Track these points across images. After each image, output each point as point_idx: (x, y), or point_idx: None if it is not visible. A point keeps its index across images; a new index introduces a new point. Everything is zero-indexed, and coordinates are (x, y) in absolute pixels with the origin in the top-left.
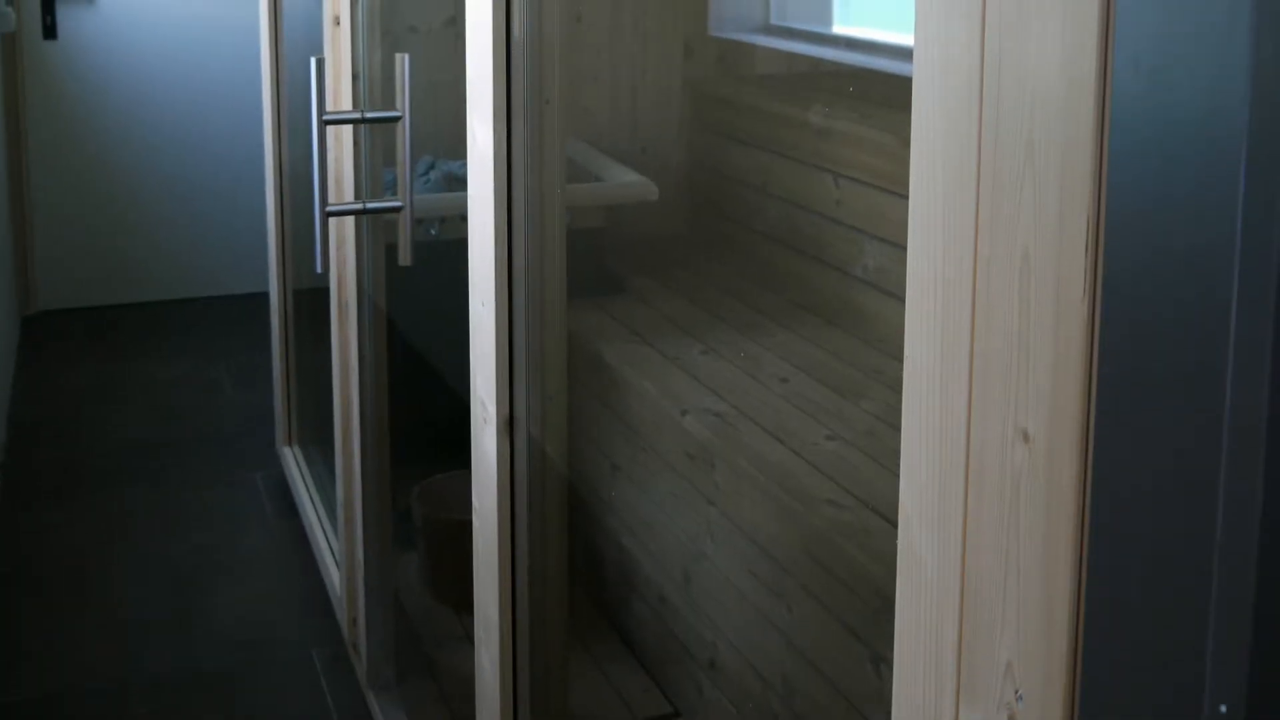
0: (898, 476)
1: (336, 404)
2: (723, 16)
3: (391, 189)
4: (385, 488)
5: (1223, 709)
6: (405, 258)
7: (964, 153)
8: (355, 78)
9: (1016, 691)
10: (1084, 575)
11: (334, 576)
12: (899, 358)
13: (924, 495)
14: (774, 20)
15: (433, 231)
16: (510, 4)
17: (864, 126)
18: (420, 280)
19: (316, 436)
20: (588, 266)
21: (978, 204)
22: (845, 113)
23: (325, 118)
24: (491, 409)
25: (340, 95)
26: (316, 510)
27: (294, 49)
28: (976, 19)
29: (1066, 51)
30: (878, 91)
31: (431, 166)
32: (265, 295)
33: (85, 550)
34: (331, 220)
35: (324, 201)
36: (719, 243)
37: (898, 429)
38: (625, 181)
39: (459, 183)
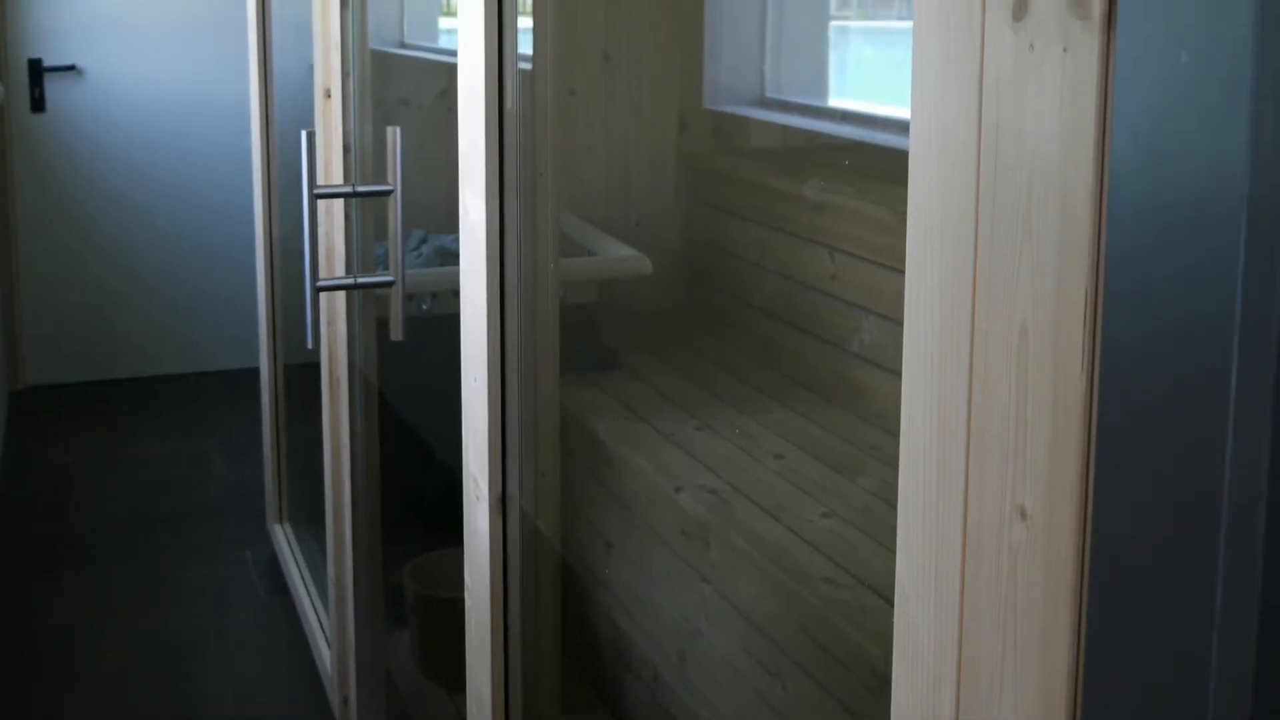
0: (894, 554)
1: (328, 480)
2: (718, 89)
3: (383, 263)
4: (377, 565)
5: None
6: (397, 333)
7: (961, 226)
8: (346, 151)
9: None
10: (1082, 652)
11: (325, 655)
12: (895, 433)
13: (921, 572)
14: (769, 93)
15: (425, 306)
16: (503, 77)
17: (860, 200)
18: (412, 355)
19: (308, 513)
20: (581, 342)
21: (975, 278)
22: (841, 186)
23: (316, 191)
24: (484, 485)
25: (331, 168)
26: (307, 588)
27: (284, 122)
28: (973, 92)
29: (1065, 124)
30: (874, 165)
31: (423, 241)
32: (256, 370)
33: (74, 626)
34: (322, 295)
35: (315, 276)
36: (714, 318)
37: (894, 506)
38: (619, 256)
39: (451, 257)
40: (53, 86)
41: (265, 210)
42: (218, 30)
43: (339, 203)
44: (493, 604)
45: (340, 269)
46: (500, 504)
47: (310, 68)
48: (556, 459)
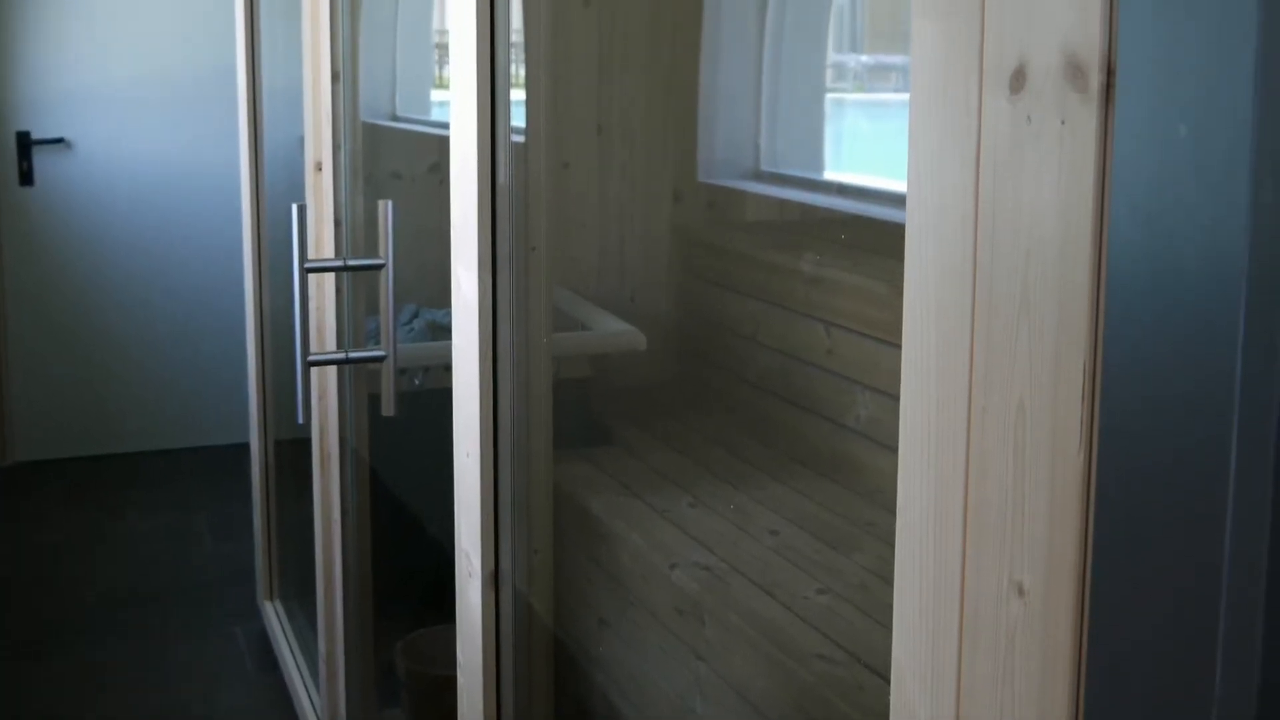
0: (890, 631)
1: (318, 557)
2: (712, 162)
3: (374, 338)
4: (368, 642)
5: None
6: (388, 408)
7: (958, 301)
8: (337, 224)
9: None
10: None
11: None
12: (892, 510)
13: (918, 649)
14: (764, 166)
15: (417, 381)
16: (495, 150)
17: (856, 274)
18: (404, 431)
19: (298, 590)
20: (574, 417)
21: (972, 353)
22: (837, 260)
23: (307, 265)
24: (476, 562)
25: (322, 242)
26: (298, 665)
27: (275, 195)
28: (970, 164)
29: (1063, 197)
30: (870, 238)
31: (415, 315)
32: (246, 446)
33: (63, 705)
34: (313, 370)
35: (305, 351)
36: (709, 393)
37: (890, 582)
38: (613, 330)
39: (443, 331)
40: (41, 159)
41: (255, 284)
42: (208, 103)
43: (330, 277)
44: (485, 681)
45: (331, 343)
46: (493, 580)
47: (301, 140)
48: (550, 535)
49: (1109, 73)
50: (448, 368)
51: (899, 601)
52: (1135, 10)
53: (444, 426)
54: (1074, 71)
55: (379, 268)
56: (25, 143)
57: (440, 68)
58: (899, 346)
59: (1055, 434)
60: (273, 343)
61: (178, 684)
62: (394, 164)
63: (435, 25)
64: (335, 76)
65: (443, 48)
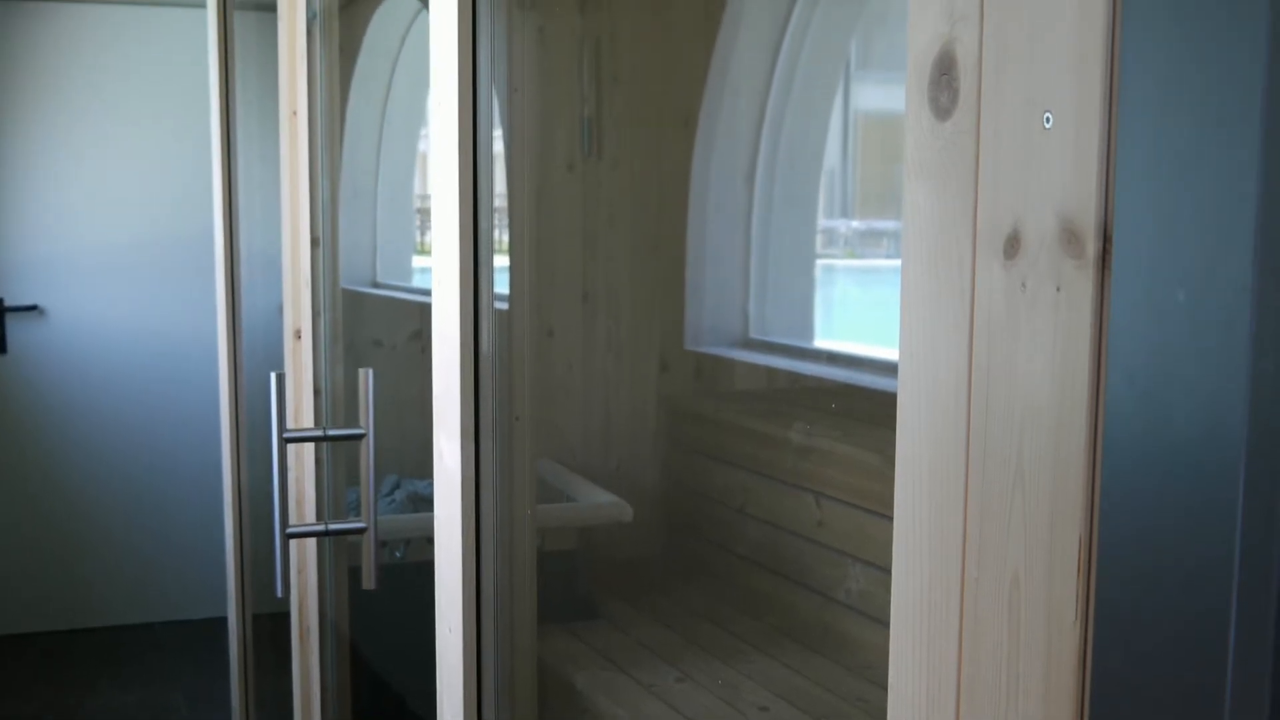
0: None
1: None
2: (700, 330)
3: (355, 509)
4: None
5: None
6: (369, 581)
7: (951, 471)
8: (317, 393)
9: None
10: None
11: None
12: (883, 685)
13: None
14: (753, 333)
15: (398, 554)
16: (479, 317)
17: (846, 444)
18: (385, 604)
19: None
20: (559, 590)
21: (965, 525)
22: (827, 430)
23: (286, 435)
24: None
25: (301, 411)
26: None
27: (253, 363)
28: (964, 332)
29: (1058, 366)
30: (861, 408)
31: (396, 486)
32: (224, 620)
33: None
34: (292, 542)
35: (284, 522)
36: (696, 566)
37: None
38: (598, 502)
39: (425, 503)
40: (14, 327)
41: (233, 454)
42: (184, 269)
43: (309, 446)
44: None
45: (311, 515)
46: None
47: (280, 307)
48: (534, 712)
49: (1105, 238)
50: (430, 540)
51: None
52: (1132, 174)
53: (426, 600)
54: (1070, 237)
55: (359, 437)
56: None
57: (422, 233)
58: (891, 518)
59: (1050, 607)
60: (251, 514)
61: None
62: (375, 331)
63: (417, 190)
64: (315, 242)
65: (424, 212)
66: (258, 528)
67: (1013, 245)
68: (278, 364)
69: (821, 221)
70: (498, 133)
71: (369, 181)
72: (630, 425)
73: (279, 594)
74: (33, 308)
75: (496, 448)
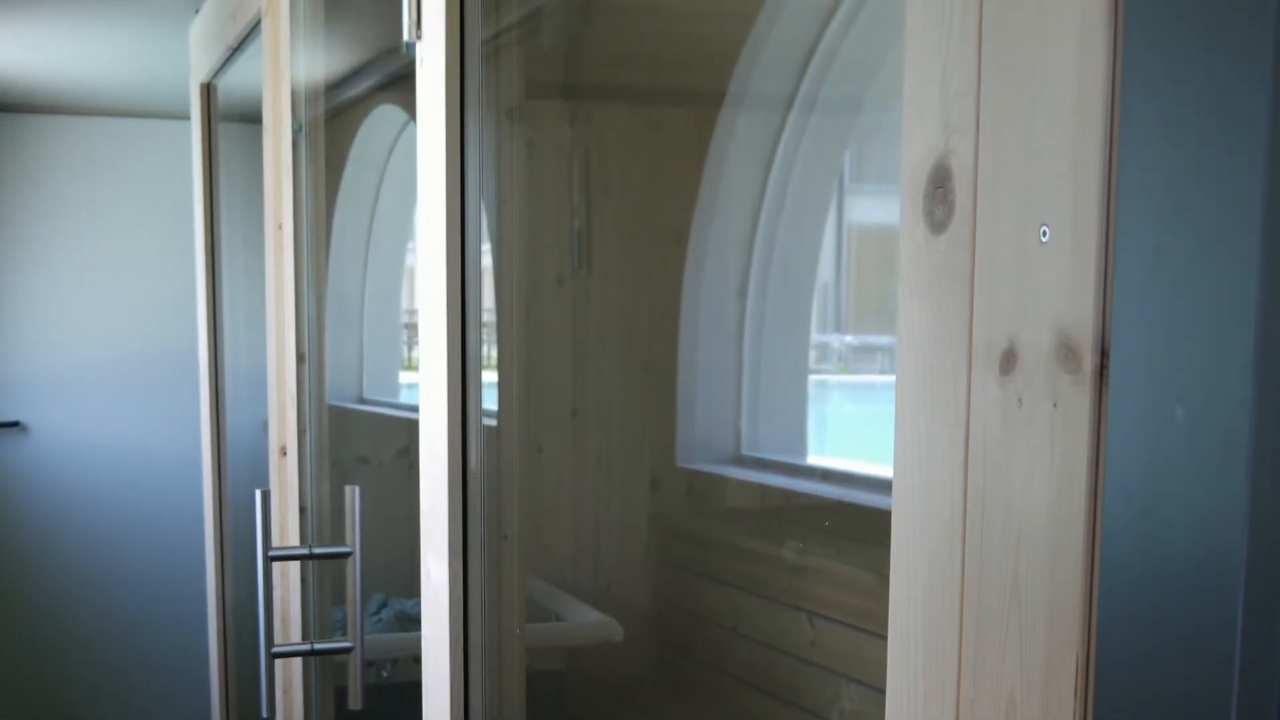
0: None
1: None
2: (691, 447)
3: (341, 628)
4: None
5: None
6: (355, 701)
7: (946, 591)
8: (303, 511)
9: None
10: None
11: None
12: None
13: None
14: (745, 450)
15: (385, 673)
16: (466, 434)
17: (840, 563)
18: None
19: None
20: (549, 711)
21: (961, 645)
22: (821, 548)
23: (271, 553)
24: None
25: (287, 529)
26: None
27: (237, 480)
28: (959, 449)
29: (1054, 483)
30: (855, 526)
31: (383, 605)
32: None
33: None
34: (278, 662)
35: (270, 642)
36: (688, 686)
37: None
38: (588, 621)
39: (412, 622)
40: None
41: (217, 573)
42: (168, 385)
43: (295, 565)
44: None
45: (297, 634)
46: None
47: (265, 424)
48: None
49: (1103, 354)
50: (417, 659)
51: None
52: (1130, 289)
53: None
54: (1066, 352)
55: (346, 556)
56: None
57: (409, 348)
58: (885, 637)
59: None
60: (235, 633)
61: None
62: (361, 448)
63: (404, 304)
64: (301, 358)
65: (412, 328)
66: (242, 647)
67: (1009, 361)
68: (263, 481)
69: (815, 336)
70: (486, 246)
71: (356, 295)
72: (621, 543)
73: (264, 714)
74: (14, 424)
75: (485, 566)
